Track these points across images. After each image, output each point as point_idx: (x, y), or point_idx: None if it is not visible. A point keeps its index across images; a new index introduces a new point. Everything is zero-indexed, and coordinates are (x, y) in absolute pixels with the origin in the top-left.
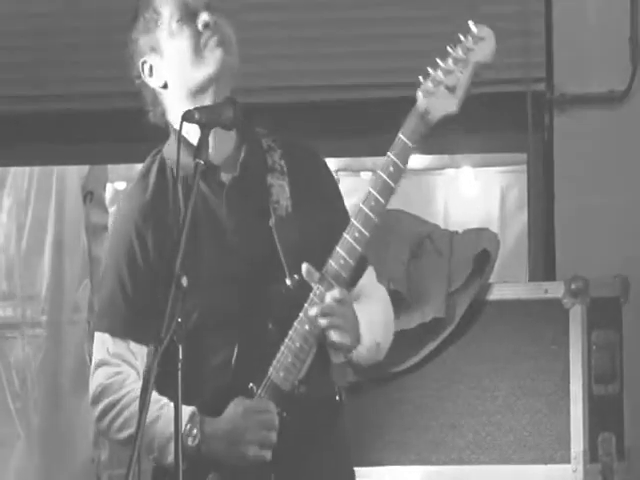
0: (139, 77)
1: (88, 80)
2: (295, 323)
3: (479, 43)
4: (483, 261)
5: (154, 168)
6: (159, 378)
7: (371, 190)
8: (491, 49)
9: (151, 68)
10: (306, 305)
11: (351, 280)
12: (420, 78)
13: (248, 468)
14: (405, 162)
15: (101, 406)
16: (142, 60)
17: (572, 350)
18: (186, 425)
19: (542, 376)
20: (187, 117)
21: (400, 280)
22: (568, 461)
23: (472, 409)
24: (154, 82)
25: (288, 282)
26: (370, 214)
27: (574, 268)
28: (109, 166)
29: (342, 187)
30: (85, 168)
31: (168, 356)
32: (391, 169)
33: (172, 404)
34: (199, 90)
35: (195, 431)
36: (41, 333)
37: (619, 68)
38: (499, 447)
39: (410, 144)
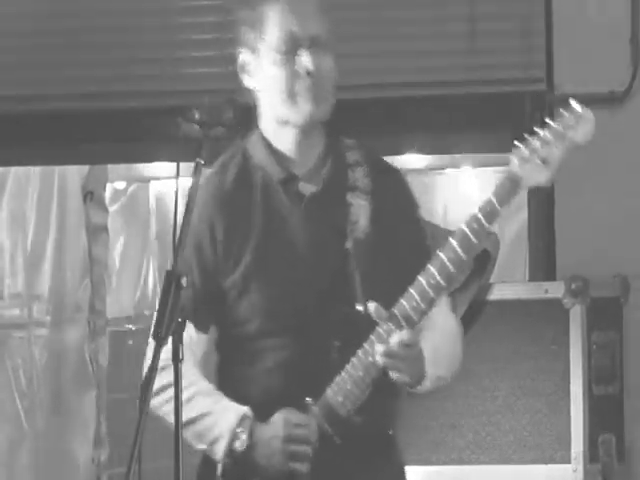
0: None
1: (88, 80)
2: (359, 352)
3: (580, 122)
4: (483, 261)
5: (235, 162)
6: (220, 372)
7: (451, 240)
8: (590, 132)
9: (244, 66)
10: (372, 337)
11: (420, 320)
12: (516, 142)
13: None
14: (490, 222)
15: (162, 382)
16: (240, 50)
17: (572, 350)
18: (237, 427)
19: (542, 376)
20: (187, 116)
21: None
22: (568, 461)
23: (472, 409)
24: (246, 80)
25: (359, 307)
26: (447, 263)
27: (574, 268)
28: (109, 166)
29: None
30: (85, 168)
31: (229, 351)
32: (475, 225)
33: (225, 402)
34: (284, 123)
35: (244, 436)
36: (46, 333)
37: (619, 68)
38: (499, 447)
39: (498, 207)
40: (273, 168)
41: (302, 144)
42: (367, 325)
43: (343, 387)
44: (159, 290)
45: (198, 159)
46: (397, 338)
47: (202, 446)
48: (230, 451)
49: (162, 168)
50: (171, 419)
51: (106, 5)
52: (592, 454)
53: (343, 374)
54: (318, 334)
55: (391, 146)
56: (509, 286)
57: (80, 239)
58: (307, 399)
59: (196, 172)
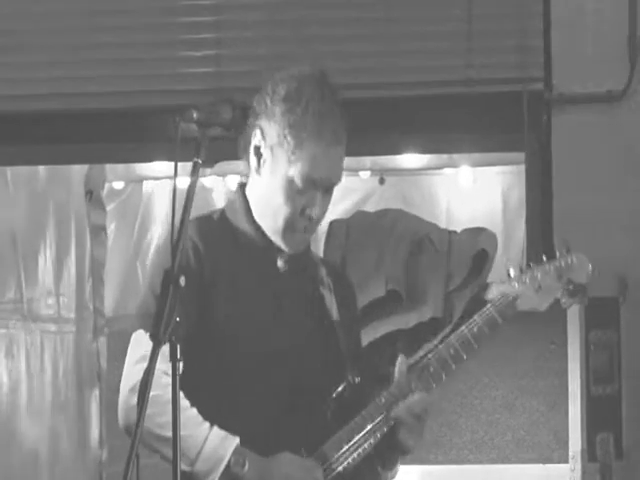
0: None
1: (87, 80)
2: (357, 418)
3: (579, 266)
4: (481, 261)
5: (216, 225)
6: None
7: (453, 340)
8: (587, 275)
9: (259, 150)
10: (376, 401)
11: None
12: (511, 270)
13: None
14: (490, 330)
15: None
16: (258, 132)
17: (570, 350)
18: (234, 454)
19: (540, 376)
20: (185, 116)
21: (398, 279)
22: (566, 460)
23: (470, 408)
24: (253, 160)
25: (350, 379)
26: (448, 360)
27: None
28: (107, 166)
29: (340, 186)
30: (85, 167)
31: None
32: (475, 330)
33: (215, 427)
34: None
35: (245, 462)
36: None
37: (617, 68)
38: (497, 446)
39: (499, 319)
40: (255, 235)
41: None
42: (353, 401)
43: (339, 446)
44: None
45: (196, 159)
46: (419, 398)
47: (188, 468)
48: (227, 473)
49: (160, 168)
50: (163, 434)
51: (104, 5)
52: (590, 453)
53: (339, 435)
54: (314, 397)
55: (389, 146)
56: (507, 285)
57: (85, 238)
58: (302, 449)
59: (194, 172)
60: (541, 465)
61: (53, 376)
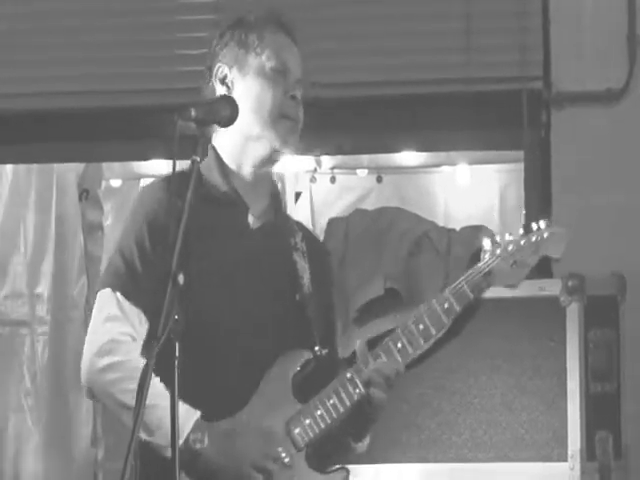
0: (209, 76)
1: (85, 78)
2: (322, 393)
3: (554, 239)
4: (479, 258)
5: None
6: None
7: (424, 315)
8: (562, 249)
9: (225, 78)
10: (336, 381)
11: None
12: (487, 243)
13: None
14: (461, 306)
15: (109, 360)
16: (219, 65)
17: (569, 348)
18: (192, 431)
19: (539, 374)
20: (184, 114)
21: (397, 277)
22: (565, 459)
23: (469, 407)
24: (222, 92)
25: (317, 350)
26: (417, 335)
27: (571, 266)
28: (104, 164)
29: (338, 185)
30: (81, 166)
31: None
32: (446, 306)
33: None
34: (255, 139)
35: (204, 438)
36: (48, 331)
37: (616, 66)
38: (496, 445)
39: (470, 294)
40: (228, 190)
41: (257, 178)
42: (319, 374)
43: (301, 420)
44: None
45: (194, 157)
46: (385, 362)
47: (148, 437)
48: (186, 448)
49: (158, 166)
50: (125, 400)
51: (104, 4)
52: (589, 452)
53: (302, 409)
54: (280, 368)
55: (387, 144)
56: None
57: (77, 237)
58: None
59: (192, 169)
60: (540, 464)
61: (49, 375)
